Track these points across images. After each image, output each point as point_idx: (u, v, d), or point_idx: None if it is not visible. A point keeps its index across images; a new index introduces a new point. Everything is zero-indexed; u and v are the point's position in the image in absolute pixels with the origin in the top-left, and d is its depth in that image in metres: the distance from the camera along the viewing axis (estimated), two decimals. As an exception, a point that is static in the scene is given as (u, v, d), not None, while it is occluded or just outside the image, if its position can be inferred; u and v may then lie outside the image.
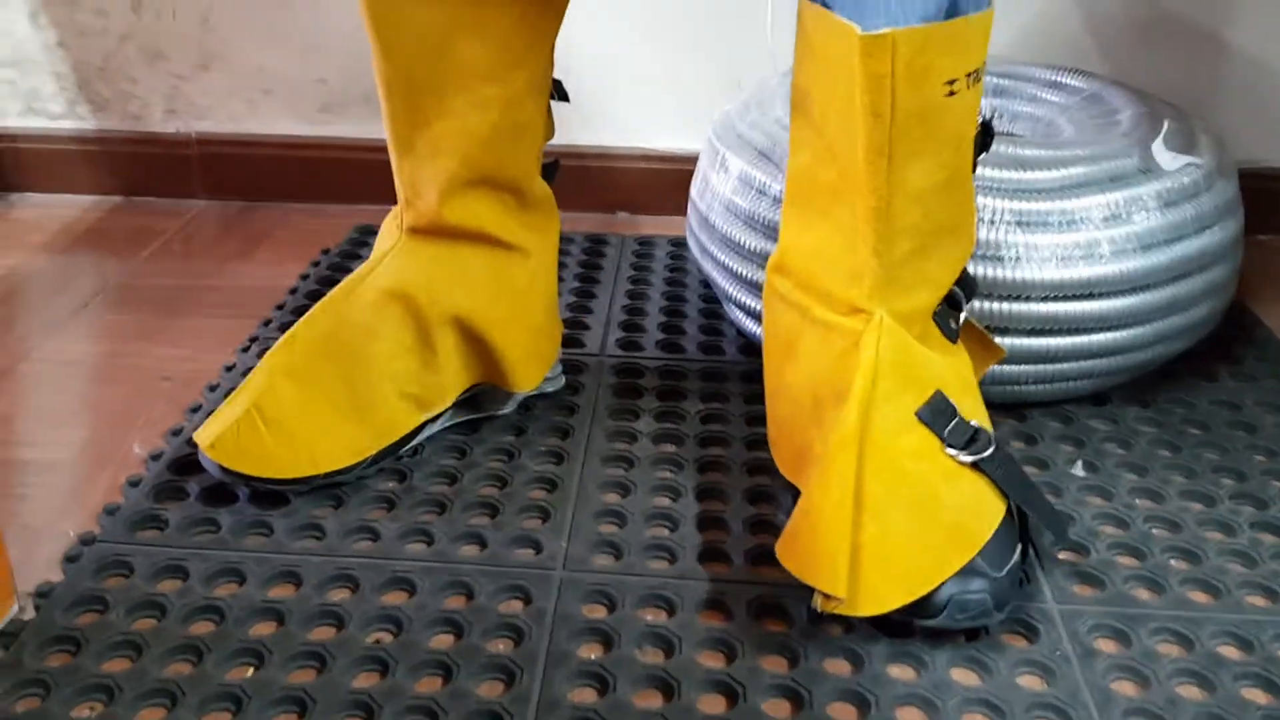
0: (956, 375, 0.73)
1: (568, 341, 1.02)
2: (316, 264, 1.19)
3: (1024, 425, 0.91)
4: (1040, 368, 0.88)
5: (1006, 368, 0.88)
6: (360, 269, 0.82)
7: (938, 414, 0.70)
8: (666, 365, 0.99)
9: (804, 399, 0.75)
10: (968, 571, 0.66)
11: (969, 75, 0.67)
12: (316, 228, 1.30)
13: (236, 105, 1.35)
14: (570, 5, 1.24)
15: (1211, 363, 1.01)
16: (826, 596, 0.65)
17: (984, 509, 0.69)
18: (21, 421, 0.90)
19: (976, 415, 0.72)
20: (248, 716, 0.61)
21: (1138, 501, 0.82)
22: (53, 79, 1.35)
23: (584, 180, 1.35)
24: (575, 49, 1.29)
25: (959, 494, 0.68)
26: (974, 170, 0.72)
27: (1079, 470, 0.85)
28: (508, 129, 0.79)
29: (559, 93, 0.87)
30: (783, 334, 0.77)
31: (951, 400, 0.71)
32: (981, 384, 0.87)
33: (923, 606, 0.66)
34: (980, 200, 0.86)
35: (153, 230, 1.29)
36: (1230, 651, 0.68)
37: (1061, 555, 0.76)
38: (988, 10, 0.68)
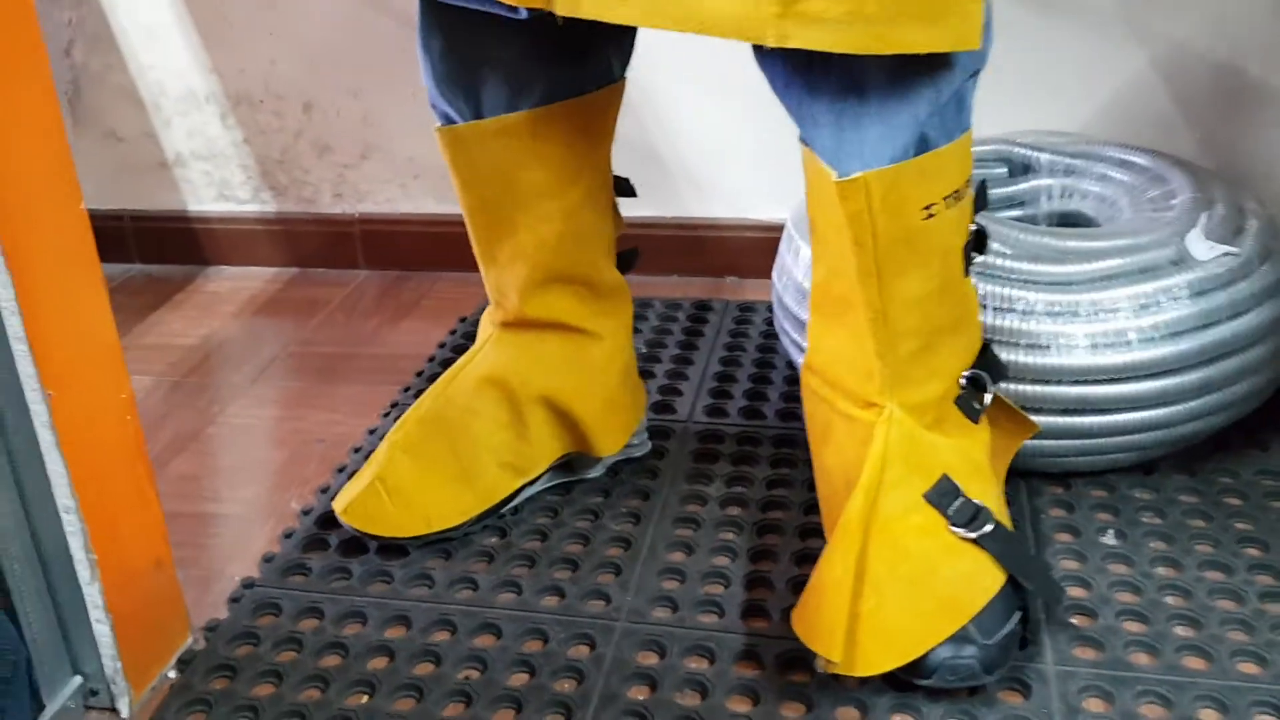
0: (965, 459, 0.83)
1: (659, 408, 1.16)
2: (454, 331, 1.36)
3: (1066, 494, 0.99)
4: (1078, 442, 0.96)
5: (1046, 442, 0.96)
6: (462, 359, 0.98)
7: (943, 495, 0.80)
8: (745, 432, 1.11)
9: (838, 481, 0.86)
10: (960, 638, 0.76)
11: (946, 198, 0.77)
12: (457, 295, 1.48)
13: (392, 189, 1.54)
14: (676, 91, 1.38)
15: (1267, 431, 1.06)
16: (828, 660, 0.76)
17: (980, 581, 0.78)
18: (206, 480, 1.10)
19: (982, 495, 0.82)
20: (359, 736, 0.77)
21: (1158, 570, 0.89)
22: (240, 170, 1.58)
23: (696, 248, 1.49)
24: (682, 132, 1.43)
25: (956, 568, 0.78)
26: (969, 271, 0.82)
27: (1110, 539, 0.93)
28: (571, 235, 0.93)
29: (626, 190, 1.01)
30: (819, 424, 0.88)
31: (957, 482, 0.81)
32: (1026, 456, 0.97)
33: (917, 668, 0.76)
34: (1015, 292, 0.95)
35: (321, 300, 1.50)
36: (1208, 715, 0.76)
37: (1074, 619, 0.84)
38: (959, 139, 0.77)
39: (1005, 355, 0.94)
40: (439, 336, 1.36)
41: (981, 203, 0.85)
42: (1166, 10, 1.26)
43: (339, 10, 1.45)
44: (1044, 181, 1.17)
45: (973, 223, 0.82)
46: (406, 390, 1.23)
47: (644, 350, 1.28)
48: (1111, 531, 0.94)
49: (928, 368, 0.82)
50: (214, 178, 1.59)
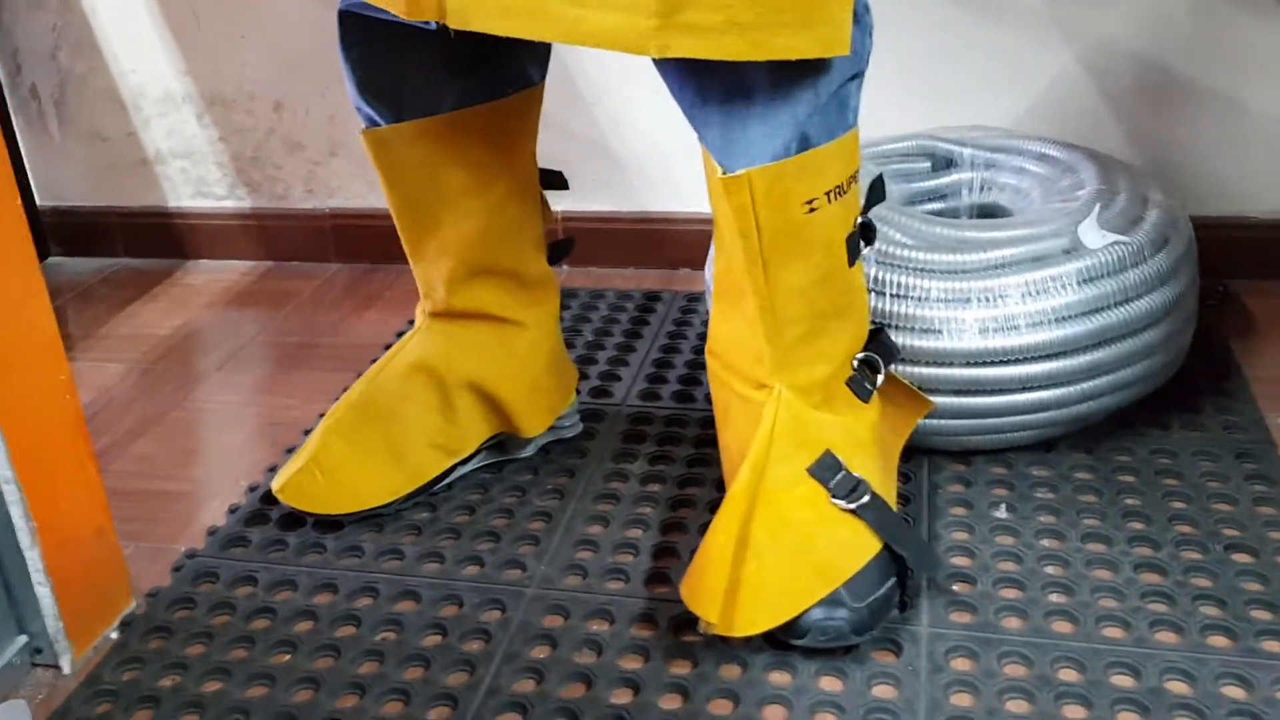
0: (849, 436, 0.88)
1: (597, 392, 1.21)
2: (411, 322, 1.42)
3: (966, 470, 1.04)
4: (974, 422, 1.01)
5: (944, 421, 1.02)
6: (394, 347, 1.04)
7: (825, 470, 0.86)
8: (674, 414, 1.17)
9: (736, 458, 0.91)
10: (832, 601, 0.82)
11: (829, 193, 0.82)
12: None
13: (359, 185, 1.61)
14: (629, 90, 1.44)
15: (1172, 412, 1.11)
16: (708, 622, 0.81)
17: (857, 548, 0.84)
18: (164, 460, 1.17)
19: (863, 469, 0.87)
20: (278, 691, 0.83)
21: (1042, 541, 0.94)
22: (216, 167, 1.65)
23: (652, 241, 1.55)
24: (637, 129, 1.49)
25: (834, 536, 0.84)
26: (855, 261, 0.87)
27: (1002, 512, 0.98)
28: (495, 230, 0.99)
29: (557, 184, 1.07)
30: (720, 405, 0.94)
31: (840, 457, 0.86)
32: (928, 434, 1.02)
33: (792, 629, 0.82)
34: (912, 280, 1.00)
35: (292, 292, 1.56)
36: (1067, 674, 0.81)
37: (954, 586, 0.90)
38: (843, 136, 0.82)
39: (901, 339, 1.00)
40: (398, 326, 1.43)
41: (879, 195, 0.91)
42: (1094, 9, 1.31)
43: (306, 14, 1.51)
44: (965, 175, 1.23)
45: (861, 216, 0.87)
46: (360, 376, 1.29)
47: (590, 339, 1.34)
48: (1004, 506, 0.99)
49: (814, 351, 0.87)
50: (191, 175, 1.66)
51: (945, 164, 1.24)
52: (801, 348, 0.86)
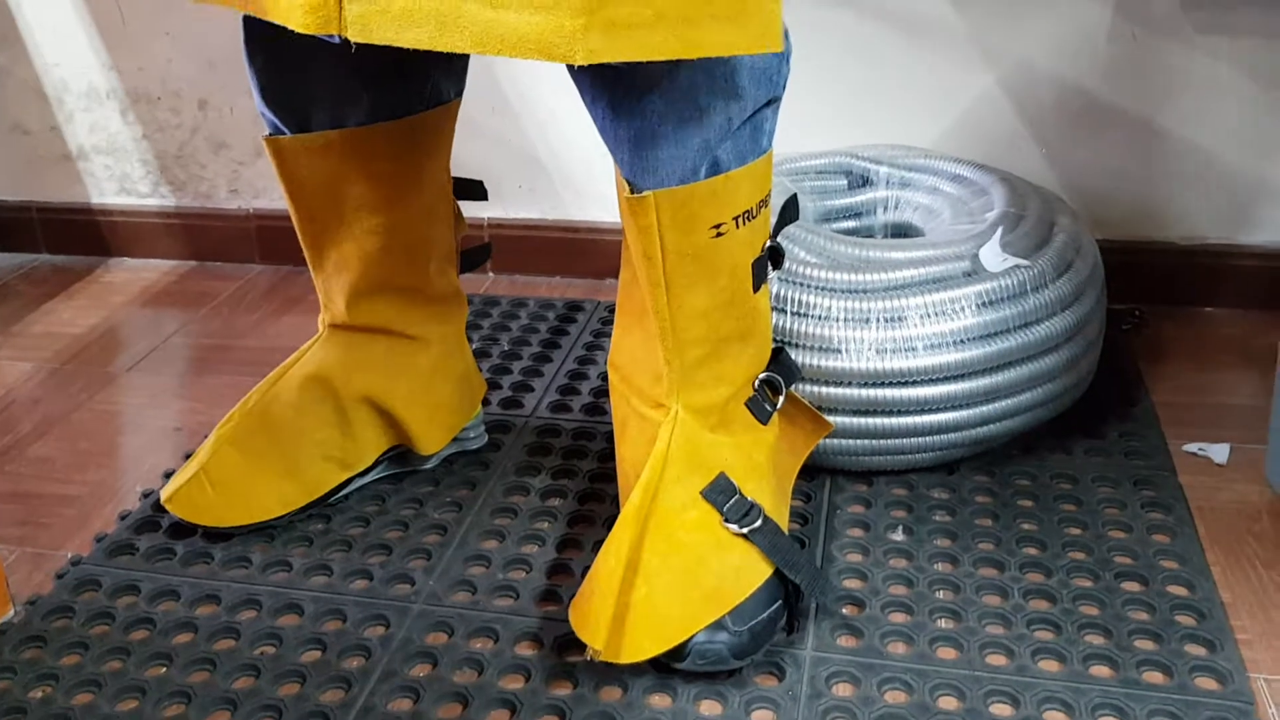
0: (745, 458, 0.88)
1: (507, 403, 1.20)
2: (330, 327, 1.41)
3: (867, 491, 1.04)
4: (874, 442, 1.01)
5: (843, 441, 1.01)
6: (292, 356, 1.02)
7: (719, 493, 0.85)
8: (582, 427, 1.16)
9: (631, 475, 0.91)
10: (715, 626, 0.81)
11: (737, 218, 0.82)
12: (345, 291, 1.52)
13: (285, 186, 1.59)
14: (555, 100, 1.43)
15: (1077, 436, 1.11)
16: (594, 649, 0.81)
17: (748, 573, 0.83)
18: (61, 462, 1.14)
19: (757, 493, 0.87)
20: (147, 706, 0.82)
21: (936, 565, 0.94)
22: (140, 164, 1.62)
23: (576, 250, 1.54)
24: (563, 138, 1.48)
25: (725, 561, 0.83)
26: (760, 286, 0.87)
27: (898, 535, 0.98)
28: (399, 247, 0.98)
29: (476, 194, 1.05)
30: (619, 419, 0.93)
31: (734, 481, 0.86)
32: (829, 453, 1.02)
33: (673, 652, 0.81)
34: (813, 298, 1.00)
35: (211, 293, 1.54)
36: (946, 702, 0.81)
37: (844, 609, 0.90)
38: (755, 161, 0.82)
39: (801, 358, 0.99)
40: (315, 330, 1.41)
41: (793, 214, 0.90)
42: (1014, 33, 1.31)
43: (234, 13, 1.49)
44: (880, 194, 1.23)
45: (772, 238, 0.87)
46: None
47: (506, 348, 1.33)
48: (901, 528, 0.99)
49: (713, 373, 0.86)
50: (115, 172, 1.64)
51: (861, 182, 1.24)
52: (701, 370, 0.86)
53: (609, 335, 1.36)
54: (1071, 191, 1.38)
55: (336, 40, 0.79)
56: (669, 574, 0.82)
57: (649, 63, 0.76)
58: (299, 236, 0.99)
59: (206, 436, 1.15)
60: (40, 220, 1.68)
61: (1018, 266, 1.01)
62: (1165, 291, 1.38)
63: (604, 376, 1.26)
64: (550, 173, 1.51)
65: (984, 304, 0.99)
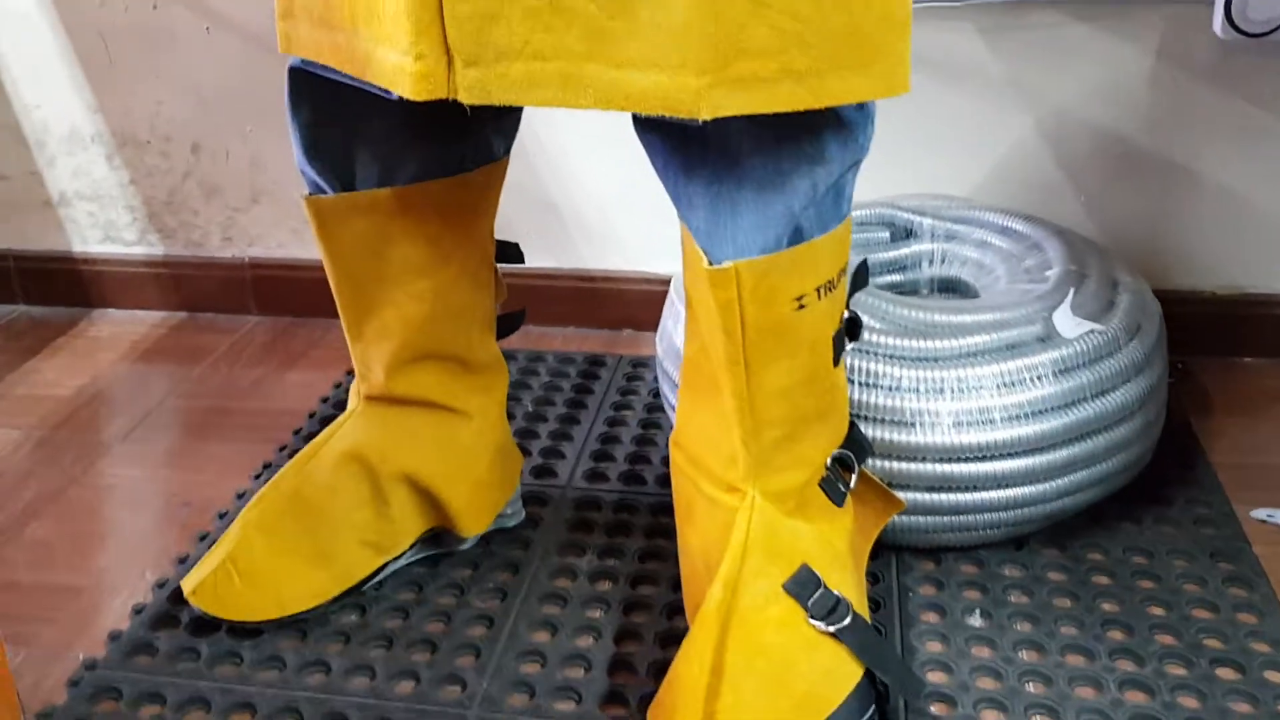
0: (826, 547, 0.82)
1: (539, 471, 1.13)
2: (339, 385, 1.33)
3: (936, 569, 0.98)
4: (946, 519, 0.96)
5: (914, 518, 0.96)
6: (325, 432, 0.95)
7: (802, 586, 0.79)
8: (623, 499, 1.09)
9: (698, 561, 0.84)
10: (811, 735, 0.75)
11: (819, 288, 0.76)
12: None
13: (283, 233, 1.51)
14: (572, 143, 1.37)
15: (1143, 504, 1.06)
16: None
17: (839, 676, 0.77)
18: (62, 547, 1.06)
19: (841, 585, 0.81)
20: (186, 839, 0.74)
21: (1021, 654, 0.89)
22: (127, 211, 1.53)
23: (593, 300, 1.47)
24: (579, 185, 1.41)
25: (815, 663, 0.77)
26: (840, 360, 0.81)
27: (976, 619, 0.92)
28: (442, 312, 0.91)
29: (513, 256, 0.99)
30: (683, 501, 0.87)
31: (817, 572, 0.80)
32: (896, 531, 0.96)
33: (765, 766, 0.74)
34: (883, 368, 0.95)
35: (206, 347, 1.46)
36: (1057, 813, 0.75)
37: (933, 708, 0.84)
38: (835, 230, 0.76)
39: (871, 431, 0.94)
40: (323, 390, 1.33)
41: (861, 281, 0.85)
42: (1052, 79, 1.27)
43: (226, 52, 1.41)
44: (925, 246, 1.18)
45: (846, 310, 0.81)
46: (282, 450, 1.19)
47: (531, 409, 1.26)
48: (978, 611, 0.93)
49: (791, 456, 0.80)
50: (99, 219, 1.55)
51: (905, 234, 1.19)
52: (779, 452, 0.80)
53: (636, 392, 1.29)
54: (1109, 239, 1.34)
55: (394, 96, 0.74)
56: (755, 679, 0.76)
57: (729, 127, 0.71)
58: (337, 303, 0.92)
59: (220, 515, 1.07)
60: (17, 269, 1.59)
61: (1092, 331, 0.96)
62: (1204, 342, 1.34)
63: (638, 440, 1.19)
64: (565, 219, 1.44)
65: (1060, 371, 0.94)
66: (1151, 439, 1.03)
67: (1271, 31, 1.15)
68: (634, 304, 1.46)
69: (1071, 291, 1.00)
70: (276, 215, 1.50)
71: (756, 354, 0.75)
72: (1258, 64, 1.23)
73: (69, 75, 1.47)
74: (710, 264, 0.74)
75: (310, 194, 0.88)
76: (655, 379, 1.32)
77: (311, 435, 1.21)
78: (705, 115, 0.63)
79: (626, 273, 1.46)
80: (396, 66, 0.66)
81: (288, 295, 1.53)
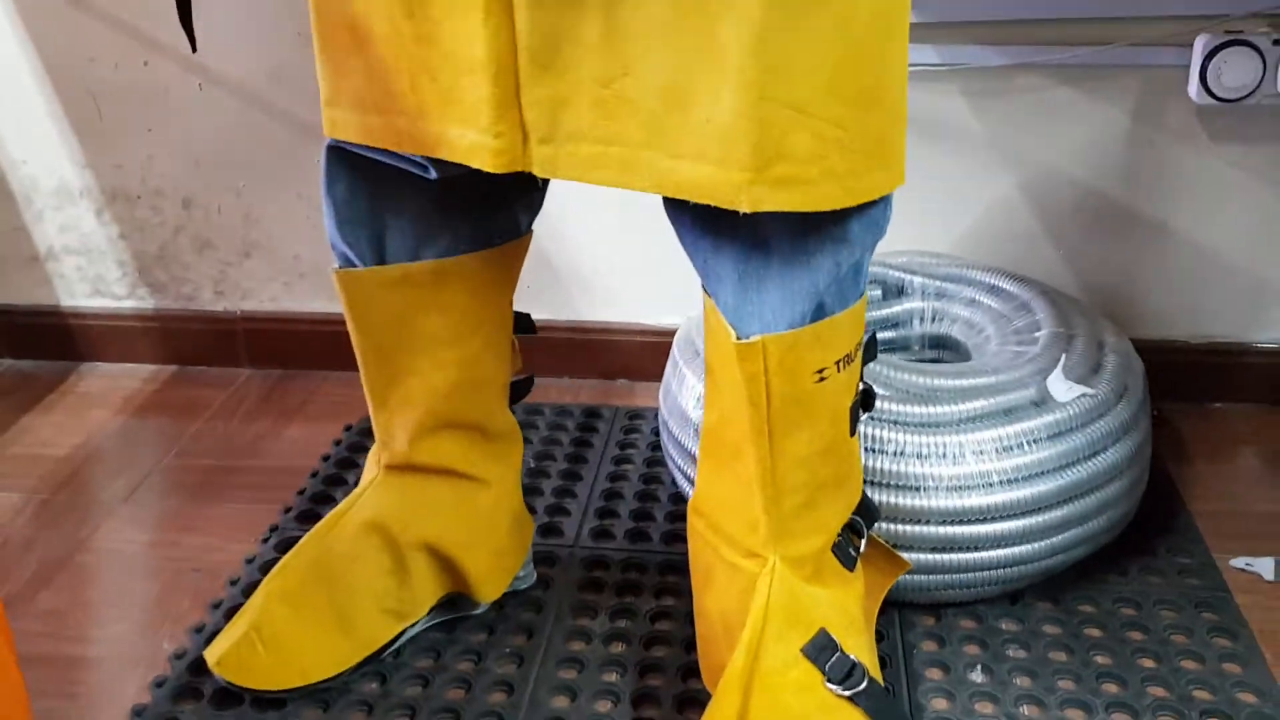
0: (841, 612, 0.85)
1: (546, 530, 1.16)
2: (338, 443, 1.35)
3: (936, 625, 1.02)
4: (947, 577, 0.99)
5: (917, 577, 0.99)
6: (344, 502, 0.97)
7: (820, 650, 0.82)
8: (630, 558, 1.12)
9: (718, 625, 0.87)
10: (830, 799, 0.78)
11: (839, 361, 0.79)
12: (344, 396, 1.46)
13: (275, 287, 1.52)
14: (566, 196, 1.40)
15: (1128, 555, 1.11)
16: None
17: (856, 741, 0.80)
18: (74, 616, 1.06)
19: (857, 649, 0.84)
20: None
21: (1023, 709, 0.92)
22: (117, 265, 1.54)
23: (588, 351, 1.50)
24: (573, 238, 1.44)
25: (834, 728, 0.80)
26: (856, 430, 0.84)
27: (977, 675, 0.96)
28: (466, 383, 0.93)
29: (526, 327, 1.02)
30: (702, 566, 0.89)
31: (834, 637, 0.83)
32: (899, 589, 0.99)
33: (791, 831, 0.77)
34: (887, 434, 0.98)
35: (200, 402, 1.46)
36: None
37: (943, 766, 0.87)
38: (854, 305, 0.80)
39: (877, 495, 0.97)
40: (323, 447, 1.34)
41: (871, 354, 0.88)
42: (1034, 139, 1.32)
43: (219, 108, 1.42)
44: (916, 304, 1.22)
45: (861, 381, 0.85)
46: (288, 512, 1.21)
47: (532, 464, 1.28)
48: (979, 666, 0.97)
49: (810, 522, 0.84)
50: (88, 273, 1.55)
51: (896, 292, 1.23)
52: (799, 519, 0.83)
53: (634, 446, 1.32)
54: (1088, 290, 1.39)
55: (433, 175, 0.77)
56: (778, 741, 0.79)
57: (761, 213, 0.75)
58: (362, 373, 0.94)
59: (232, 581, 1.08)
60: (4, 324, 1.58)
61: (1084, 395, 1.01)
62: (1179, 388, 1.39)
63: (640, 496, 1.22)
64: (560, 273, 1.47)
65: (1055, 435, 0.98)
66: (1138, 494, 1.07)
67: (1243, 98, 1.21)
68: (628, 354, 1.49)
69: (1063, 356, 1.04)
70: (269, 269, 1.51)
71: (780, 424, 0.79)
72: (1230, 126, 1.29)
73: (58, 131, 1.47)
74: (738, 338, 0.77)
75: (340, 267, 0.90)
76: (653, 431, 1.35)
77: (315, 496, 1.23)
78: (745, 209, 0.68)
79: (620, 324, 1.48)
80: (475, 144, 0.72)
81: (279, 347, 1.54)
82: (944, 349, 1.22)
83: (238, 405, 1.46)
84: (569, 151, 0.71)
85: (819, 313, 0.78)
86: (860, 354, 0.83)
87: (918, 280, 1.22)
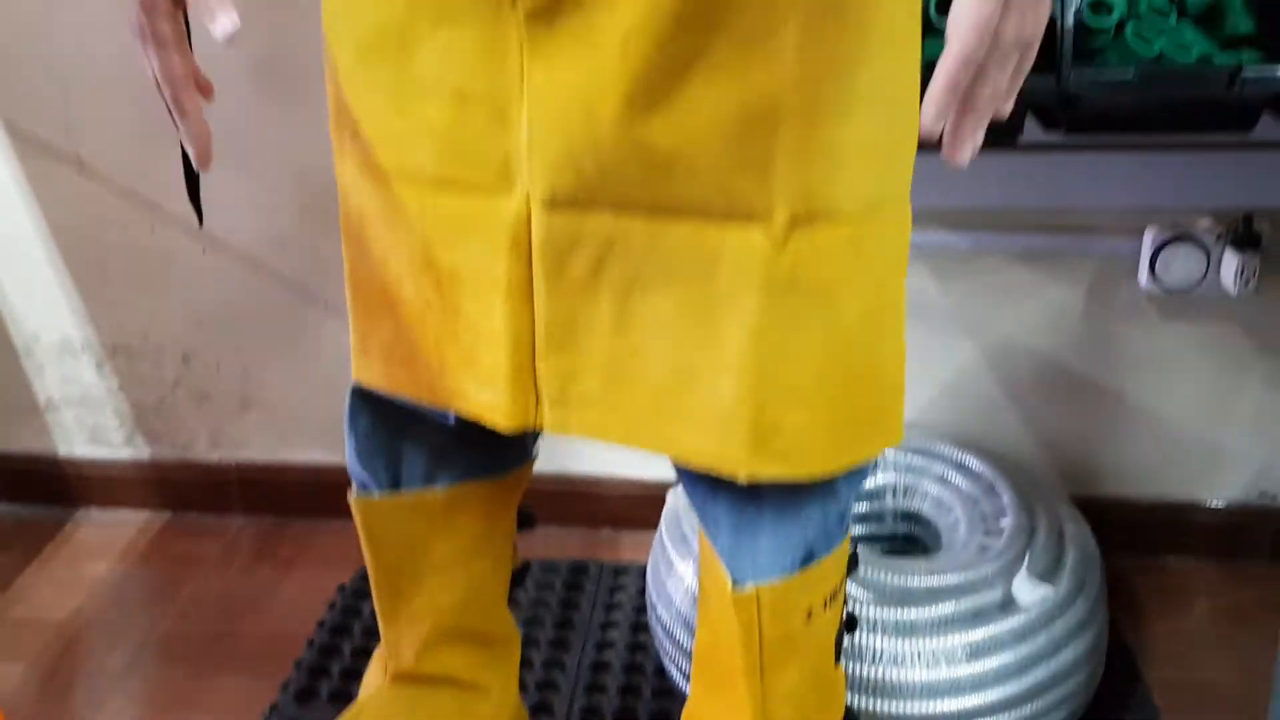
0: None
1: (537, 709, 1.21)
2: (333, 605, 1.39)
3: (912, 813, 1.08)
4: (921, 772, 1.06)
5: (892, 771, 1.06)
6: (352, 711, 1.02)
7: None
8: (619, 739, 1.17)
9: None
10: None
11: (825, 600, 0.85)
12: (337, 549, 1.50)
13: (271, 439, 1.57)
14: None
15: (1087, 732, 1.17)
16: None
17: None
18: (84, 808, 1.10)
19: None
20: None
21: None
22: (114, 416, 1.58)
23: (574, 503, 1.55)
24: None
25: None
26: (840, 658, 0.90)
27: None
28: (473, 598, 0.99)
29: (527, 522, 1.07)
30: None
31: None
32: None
33: None
34: (866, 640, 1.04)
35: (194, 555, 1.50)
36: None
37: None
38: (839, 546, 0.86)
39: (858, 700, 1.03)
40: (318, 610, 1.39)
41: (853, 566, 0.94)
42: (995, 313, 1.40)
43: (220, 268, 1.48)
44: (889, 478, 1.29)
45: (845, 609, 0.91)
46: (286, 689, 1.25)
47: (522, 631, 1.33)
48: None
49: None
50: (86, 423, 1.59)
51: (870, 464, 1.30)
52: (788, 748, 0.88)
53: (619, 607, 1.37)
54: (1047, 452, 1.46)
55: (451, 421, 0.83)
56: None
57: None
58: (373, 589, 0.99)
59: (241, 773, 1.12)
60: (1, 469, 1.62)
61: (1047, 595, 1.08)
62: (1132, 545, 1.47)
63: (627, 669, 1.27)
64: (544, 428, 1.53)
65: (1019, 638, 1.05)
66: (1096, 682, 1.14)
67: (1190, 289, 1.29)
68: (612, 504, 1.55)
69: (1028, 557, 1.11)
70: (266, 422, 1.56)
71: (771, 661, 0.84)
72: (1178, 309, 1.37)
73: (63, 290, 1.52)
74: (733, 584, 0.83)
75: (357, 495, 0.95)
76: (639, 591, 1.40)
77: (312, 669, 1.27)
78: (743, 479, 0.74)
79: (604, 475, 1.54)
80: (490, 403, 0.78)
81: (272, 496, 1.59)
82: (916, 523, 1.28)
83: (232, 558, 1.50)
84: (579, 415, 0.77)
85: (808, 558, 0.84)
86: (844, 586, 0.89)
87: (890, 453, 1.29)
